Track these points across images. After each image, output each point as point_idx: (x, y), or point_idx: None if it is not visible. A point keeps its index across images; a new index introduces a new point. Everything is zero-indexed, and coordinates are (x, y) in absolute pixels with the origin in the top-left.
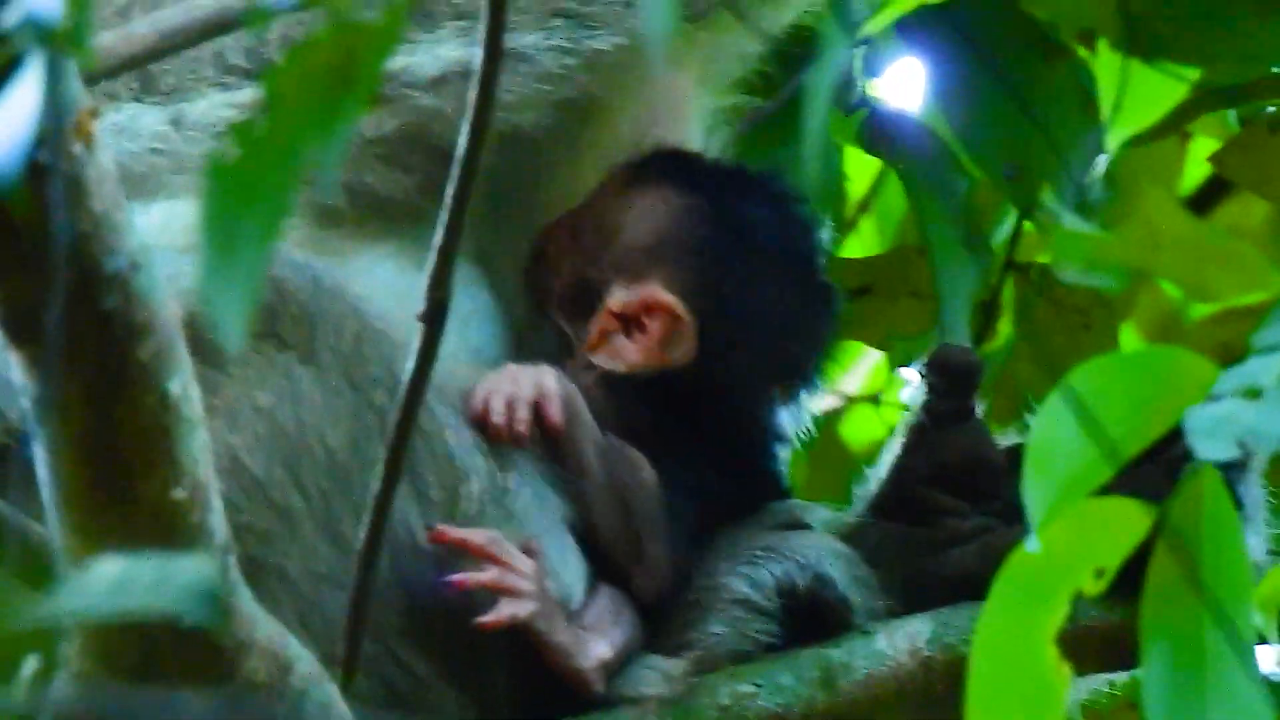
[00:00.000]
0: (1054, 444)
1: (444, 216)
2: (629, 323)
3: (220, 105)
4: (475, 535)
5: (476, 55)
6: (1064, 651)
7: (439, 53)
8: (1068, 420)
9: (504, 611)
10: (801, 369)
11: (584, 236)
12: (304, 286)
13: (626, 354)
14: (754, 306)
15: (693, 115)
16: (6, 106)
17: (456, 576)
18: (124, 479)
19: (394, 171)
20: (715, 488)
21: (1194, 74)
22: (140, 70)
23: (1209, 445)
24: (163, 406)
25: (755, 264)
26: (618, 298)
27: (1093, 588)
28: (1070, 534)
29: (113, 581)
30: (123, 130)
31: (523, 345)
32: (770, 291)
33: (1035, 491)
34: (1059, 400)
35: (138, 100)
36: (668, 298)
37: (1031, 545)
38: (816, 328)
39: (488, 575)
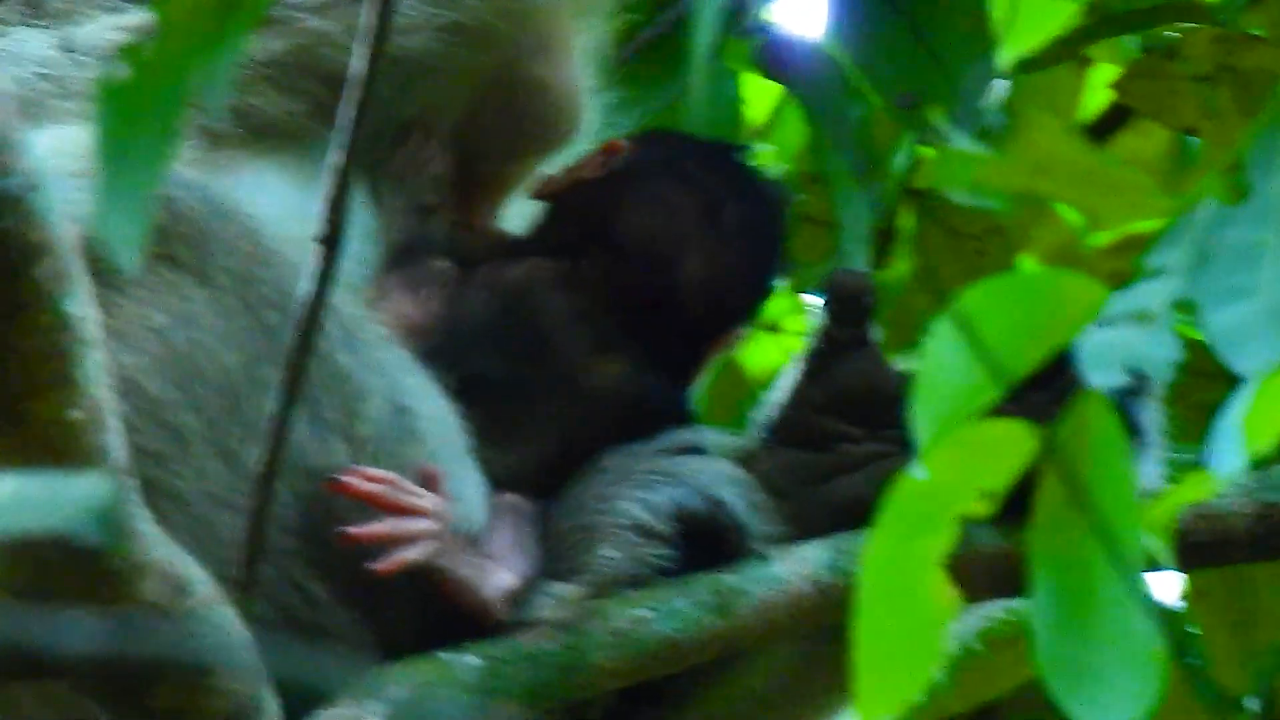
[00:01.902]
0: (942, 367)
1: (340, 139)
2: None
3: (108, 29)
4: (372, 483)
5: None
6: (958, 578)
7: None
8: (956, 343)
9: (395, 558)
10: (737, 314)
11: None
12: (197, 207)
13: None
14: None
15: (577, 41)
16: None
17: (351, 530)
18: (20, 400)
19: (282, 95)
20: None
21: None
22: None
23: (1098, 372)
24: (59, 327)
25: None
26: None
27: (981, 511)
28: (957, 458)
29: (6, 500)
30: (9, 55)
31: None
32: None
33: (922, 415)
34: (948, 323)
35: (25, 25)
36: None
37: (917, 470)
38: (760, 279)
39: (383, 527)
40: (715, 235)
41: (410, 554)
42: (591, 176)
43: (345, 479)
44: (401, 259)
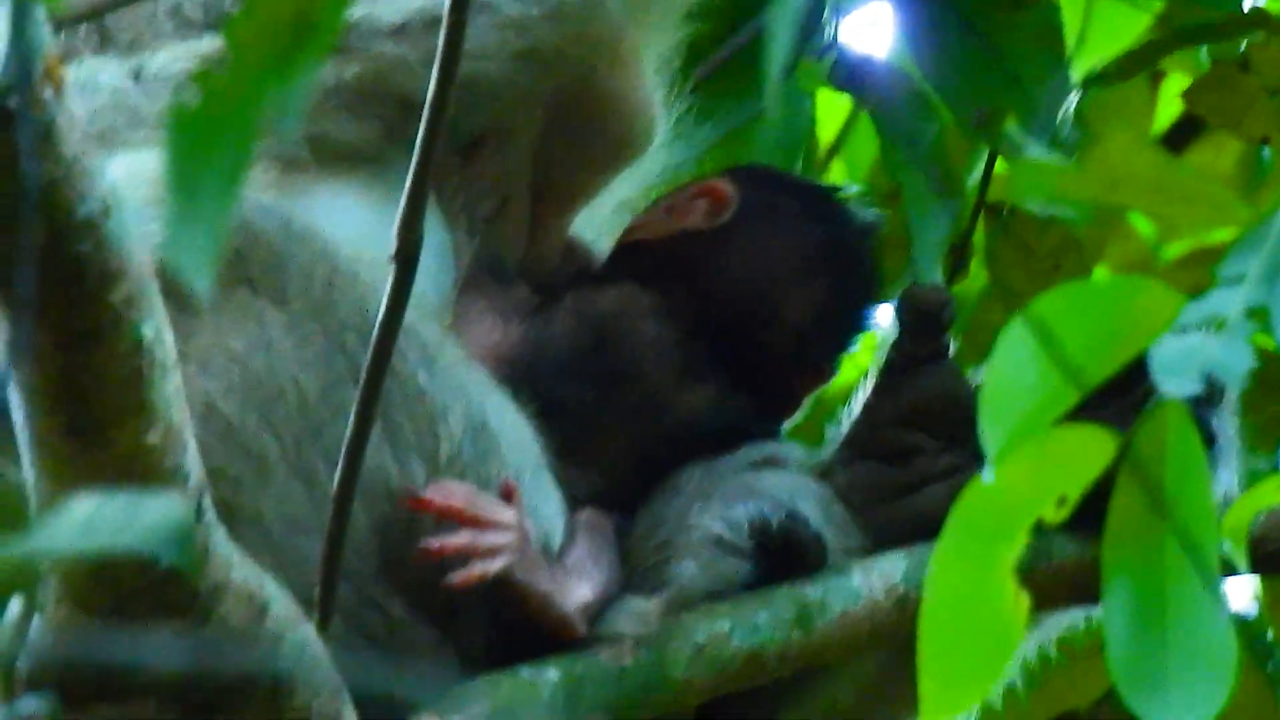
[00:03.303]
0: (1013, 374)
1: (413, 160)
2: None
3: (179, 57)
4: (450, 496)
5: (439, 3)
6: (1035, 587)
7: (400, 2)
8: (1028, 350)
9: (475, 570)
10: (832, 354)
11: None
12: (274, 230)
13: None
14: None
15: (649, 54)
16: None
17: (430, 542)
18: (98, 424)
19: (355, 120)
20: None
21: (1158, 5)
22: (99, 24)
23: (1173, 380)
24: (136, 351)
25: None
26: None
27: (1054, 517)
28: (1031, 465)
29: (84, 521)
30: (81, 85)
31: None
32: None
33: (993, 422)
34: (1020, 330)
35: (96, 54)
36: (720, 183)
37: (987, 476)
38: (857, 320)
39: (461, 540)
40: (818, 282)
41: (488, 567)
42: (696, 228)
43: (424, 494)
44: (480, 282)
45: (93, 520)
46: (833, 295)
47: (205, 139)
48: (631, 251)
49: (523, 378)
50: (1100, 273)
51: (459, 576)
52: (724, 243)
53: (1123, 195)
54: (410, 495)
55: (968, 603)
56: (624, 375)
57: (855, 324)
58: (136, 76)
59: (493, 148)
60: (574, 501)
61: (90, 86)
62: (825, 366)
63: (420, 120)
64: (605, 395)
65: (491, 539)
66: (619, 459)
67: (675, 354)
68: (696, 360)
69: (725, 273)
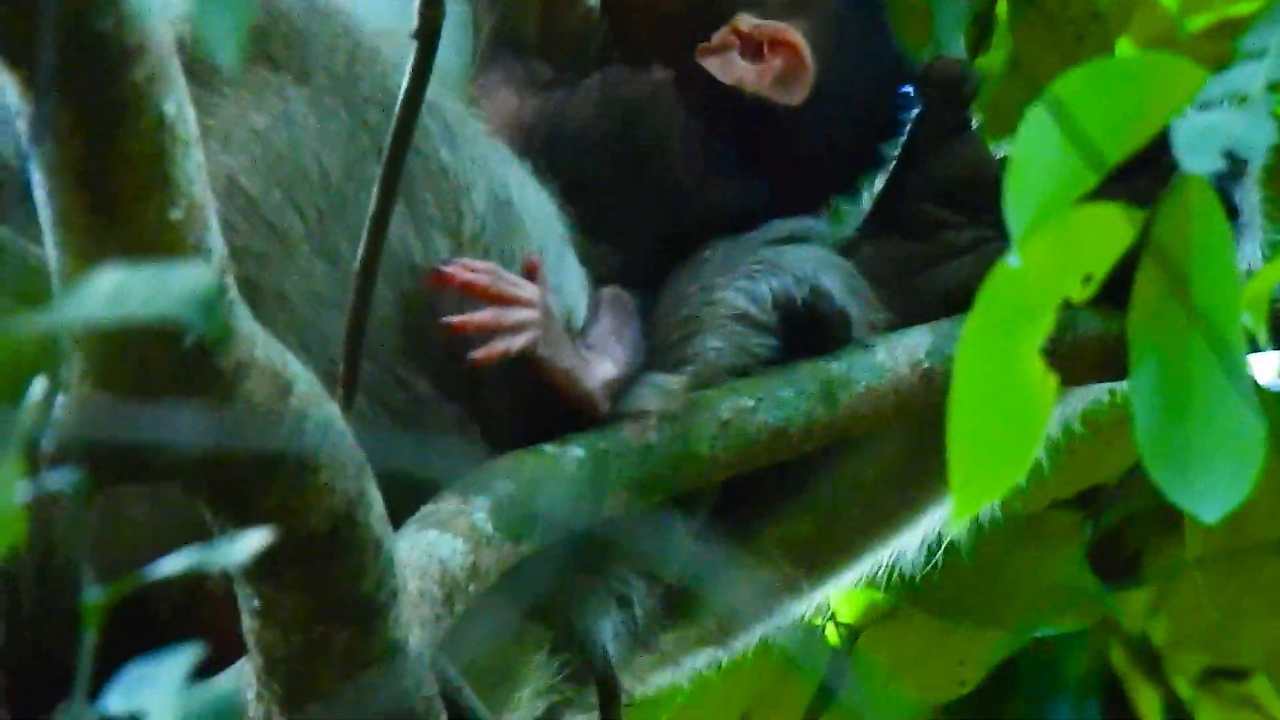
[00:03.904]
0: (1037, 152)
1: None
2: (748, 47)
3: None
4: (473, 274)
5: None
6: (1061, 363)
7: None
8: (1051, 131)
9: (497, 346)
10: (860, 170)
11: None
12: (295, 6)
13: (736, 69)
14: (860, 90)
15: None
16: None
17: (453, 319)
18: (121, 201)
19: None
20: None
21: None
22: None
23: (1195, 155)
24: (158, 128)
25: (872, 49)
26: (748, 20)
27: (1080, 295)
28: (1055, 243)
29: (110, 292)
30: None
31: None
32: (872, 81)
33: (1017, 203)
34: (1043, 108)
35: None
36: (800, 40)
37: (1012, 259)
38: (886, 136)
39: (484, 315)
40: (856, 89)
41: (511, 343)
42: (763, 96)
43: (447, 269)
44: (499, 57)
45: (118, 291)
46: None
47: None
48: (682, 58)
49: (541, 148)
50: (1123, 46)
51: (482, 352)
52: (788, 119)
53: None
54: (433, 271)
55: (996, 385)
56: (650, 158)
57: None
58: None
59: None
60: (598, 280)
61: None
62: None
63: None
64: (628, 175)
65: (514, 315)
66: (642, 238)
67: (705, 148)
68: (726, 157)
69: (784, 140)
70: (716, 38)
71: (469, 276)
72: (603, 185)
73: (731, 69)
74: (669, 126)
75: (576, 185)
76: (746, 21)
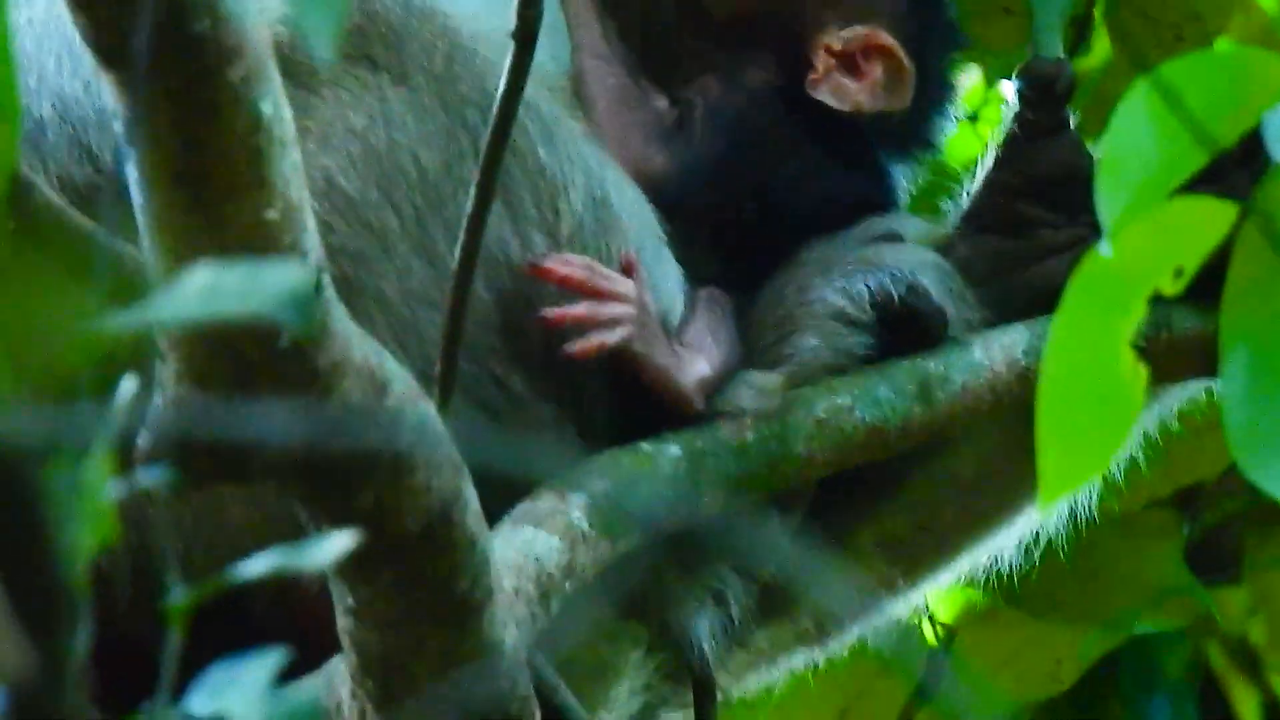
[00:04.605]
0: (1132, 142)
1: None
2: (844, 62)
3: None
4: (570, 266)
5: None
6: (1156, 360)
7: None
8: (1147, 118)
9: (593, 339)
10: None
11: None
12: (394, 7)
13: (851, 93)
14: (937, 67)
15: None
16: None
17: (550, 312)
18: (217, 201)
19: None
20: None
21: None
22: None
23: None
24: (254, 128)
25: (943, 25)
26: (838, 35)
27: (1172, 288)
28: (1148, 235)
29: (205, 289)
30: None
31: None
32: (945, 52)
33: (1110, 191)
34: (1139, 97)
35: None
36: (892, 42)
37: (1104, 247)
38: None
39: (581, 309)
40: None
41: (607, 338)
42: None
43: (545, 263)
44: (620, 93)
45: (213, 288)
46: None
47: None
48: (769, 64)
49: (673, 200)
50: (1222, 45)
51: (577, 346)
52: (880, 116)
53: None
54: (530, 264)
55: (1086, 375)
56: (750, 166)
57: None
58: None
59: None
60: (695, 280)
61: None
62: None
63: None
64: (729, 182)
65: (611, 310)
66: (740, 240)
67: (800, 151)
68: (820, 157)
69: (877, 136)
70: (818, 65)
71: (566, 270)
72: (716, 204)
73: (844, 94)
74: (767, 135)
75: (699, 215)
76: (835, 38)
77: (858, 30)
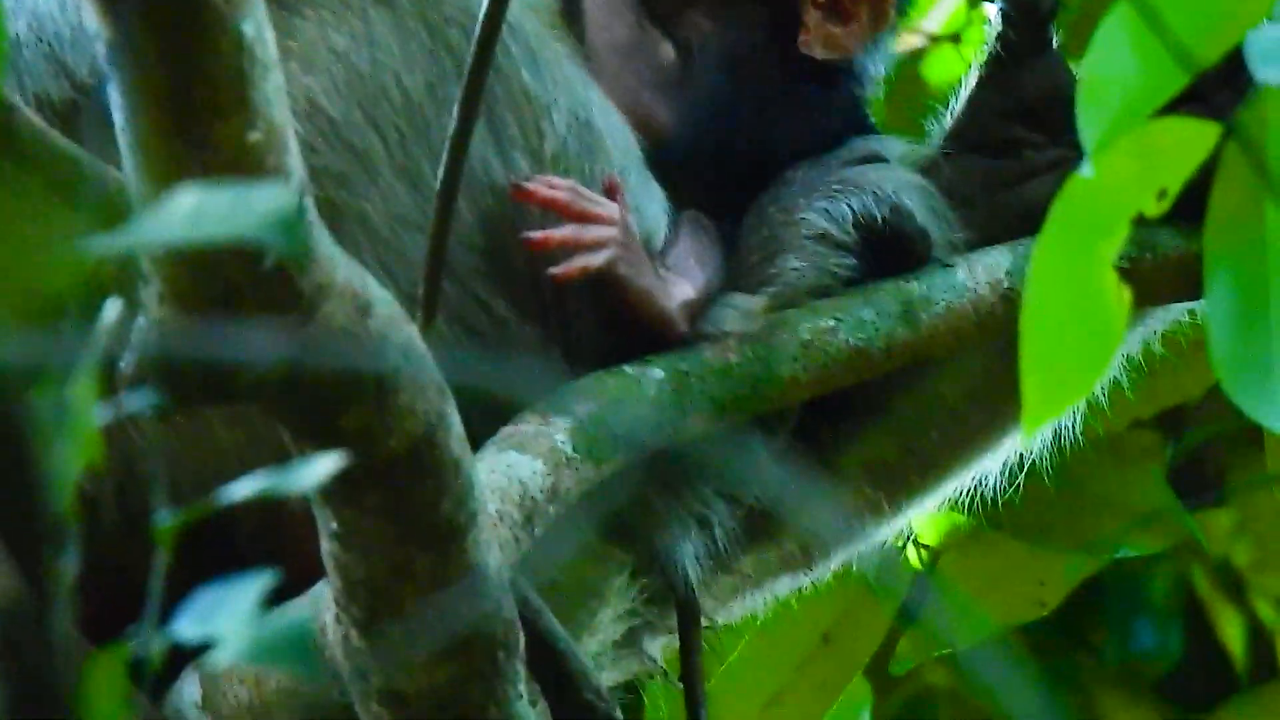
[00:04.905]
0: (1112, 64)
1: None
2: (831, 9)
3: None
4: (554, 189)
5: None
6: (1140, 282)
7: None
8: (1128, 37)
9: (577, 262)
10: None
11: None
12: None
13: (840, 40)
14: None
15: None
16: None
17: (534, 235)
18: (200, 122)
19: None
20: (800, 114)
21: None
22: None
23: (1270, 67)
24: (237, 49)
25: None
26: None
27: (1154, 210)
28: (1130, 155)
29: (190, 212)
30: None
31: None
32: None
33: (1092, 112)
34: (1120, 17)
35: None
36: None
37: (1085, 169)
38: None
39: (565, 231)
40: None
41: (591, 260)
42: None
43: (528, 184)
44: (621, 39)
45: (197, 211)
46: None
47: None
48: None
49: (674, 149)
50: None
51: (561, 269)
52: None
53: None
54: (514, 185)
55: (1069, 298)
56: (749, 113)
57: None
58: None
59: None
60: (678, 204)
61: None
62: None
63: None
64: (733, 133)
65: (595, 232)
66: (724, 165)
67: (787, 83)
68: (805, 86)
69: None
70: (808, 22)
71: (549, 193)
72: (704, 141)
73: (834, 43)
74: (760, 75)
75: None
76: None
77: None
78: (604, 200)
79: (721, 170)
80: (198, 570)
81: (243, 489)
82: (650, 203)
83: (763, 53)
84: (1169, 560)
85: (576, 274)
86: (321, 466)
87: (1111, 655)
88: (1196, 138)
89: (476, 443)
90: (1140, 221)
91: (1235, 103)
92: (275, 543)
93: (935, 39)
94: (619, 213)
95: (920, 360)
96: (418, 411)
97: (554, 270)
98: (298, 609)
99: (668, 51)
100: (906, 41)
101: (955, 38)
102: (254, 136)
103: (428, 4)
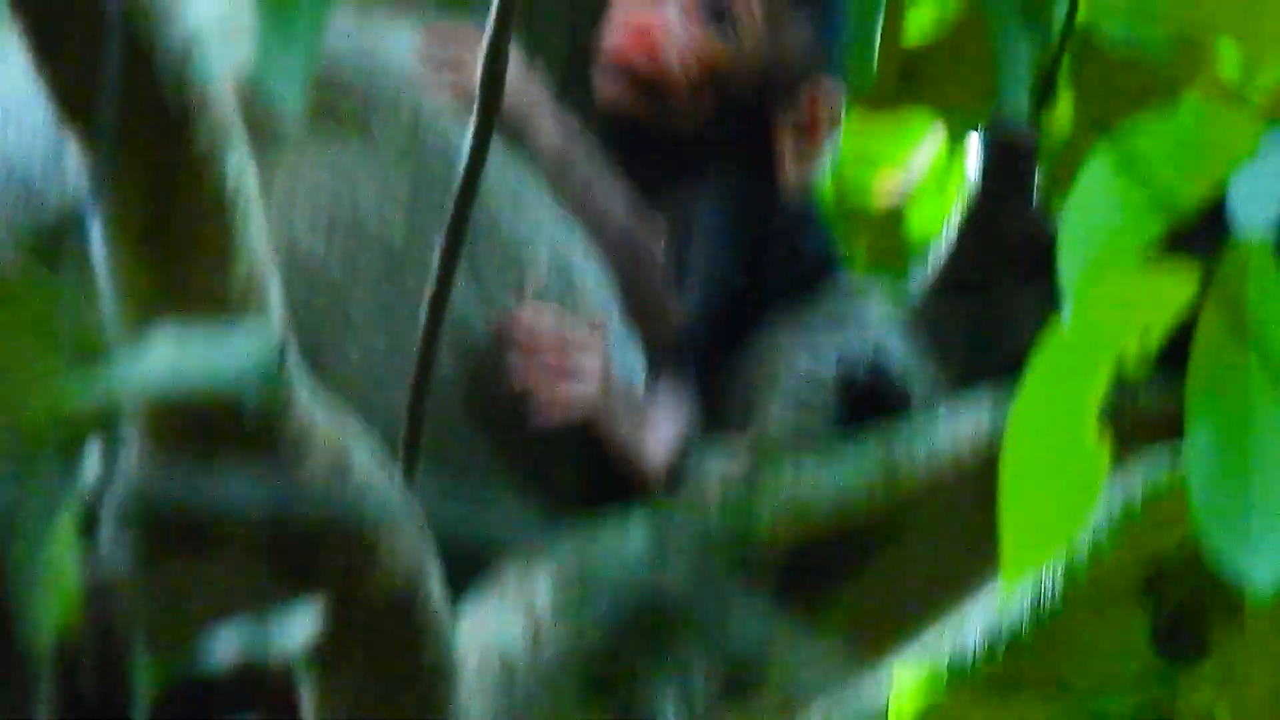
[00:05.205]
0: (1093, 207)
1: None
2: (800, 130)
3: None
4: (539, 324)
5: None
6: (1122, 431)
7: None
8: (1110, 180)
9: (558, 407)
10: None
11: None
12: (359, 65)
13: (813, 155)
14: None
15: None
16: None
17: (516, 375)
18: (180, 261)
19: None
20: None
21: None
22: None
23: (1249, 211)
24: (219, 187)
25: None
26: (792, 113)
27: (1136, 355)
28: (1111, 302)
29: (168, 354)
30: None
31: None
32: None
33: (1070, 256)
34: (1100, 162)
35: None
36: (832, 87)
37: (1065, 314)
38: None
39: (548, 374)
40: None
41: (573, 405)
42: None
43: (516, 314)
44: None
45: (176, 355)
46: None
47: None
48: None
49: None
50: (1186, 102)
51: (543, 411)
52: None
53: (1203, 14)
54: (501, 316)
55: (1049, 446)
56: (741, 273)
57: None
58: None
59: None
60: (658, 352)
61: None
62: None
63: None
64: (725, 295)
65: (577, 377)
66: (709, 309)
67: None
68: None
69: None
70: (785, 153)
71: (535, 322)
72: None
73: (809, 160)
74: (749, 232)
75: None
76: (790, 116)
77: (803, 96)
78: (587, 344)
79: (704, 322)
80: (177, 713)
81: (221, 646)
82: (630, 350)
83: (745, 205)
84: (1149, 716)
85: (559, 417)
86: (301, 623)
87: None
88: (1178, 284)
89: (457, 593)
90: (1121, 369)
91: (1218, 248)
92: (254, 691)
93: (917, 183)
94: (601, 359)
95: (901, 510)
96: (398, 561)
97: (535, 413)
98: None
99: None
100: (888, 184)
101: (937, 181)
102: (235, 275)
103: (409, 147)
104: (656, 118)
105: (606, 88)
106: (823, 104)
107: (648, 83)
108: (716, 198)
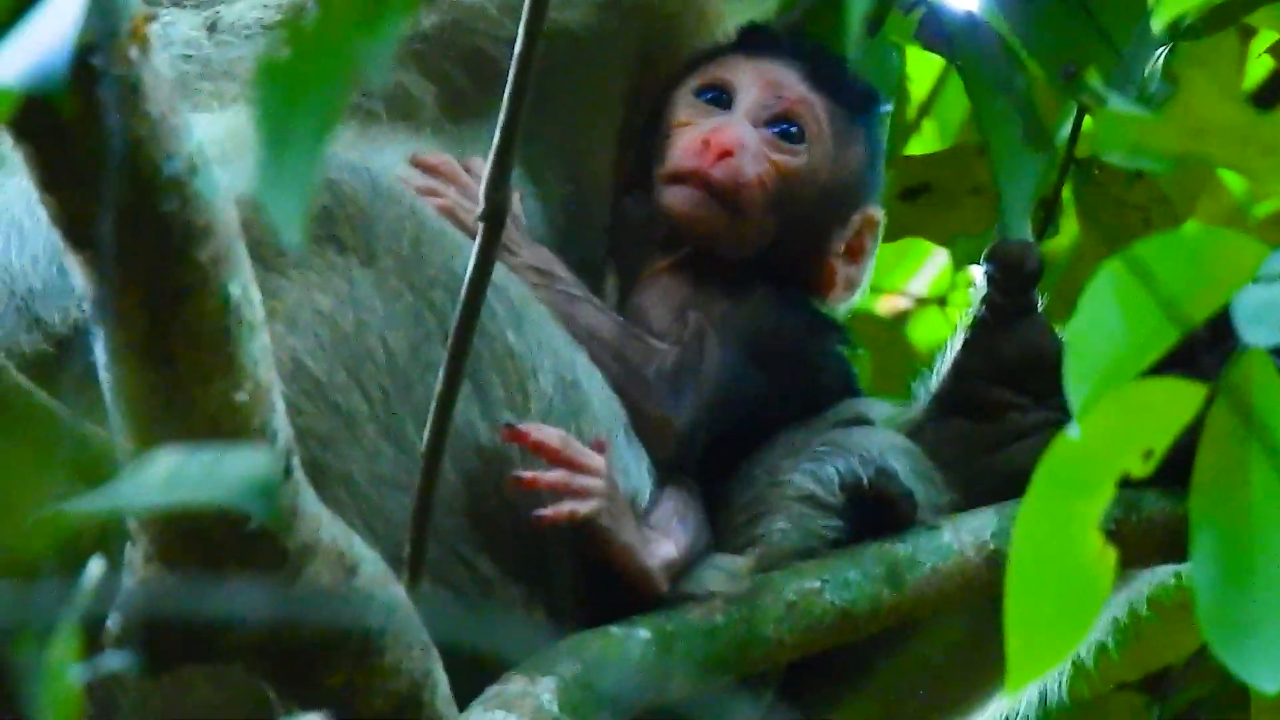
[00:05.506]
0: (1099, 324)
1: (501, 118)
2: (847, 254)
3: (255, 7)
4: (545, 433)
5: None
6: (1126, 544)
7: None
8: (1115, 299)
9: (565, 507)
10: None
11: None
12: (360, 188)
13: (857, 277)
14: None
15: (734, 11)
16: (55, 9)
17: (524, 474)
18: (185, 383)
19: (433, 72)
20: (782, 384)
21: None
22: None
23: (1255, 329)
24: (223, 310)
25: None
26: (841, 238)
27: (1141, 470)
28: (1116, 416)
29: (169, 475)
30: (158, 38)
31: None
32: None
33: (1078, 373)
34: (1107, 279)
35: (174, 6)
36: (878, 211)
37: (1072, 429)
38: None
39: (555, 475)
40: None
41: (578, 507)
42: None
43: (521, 426)
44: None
45: (178, 474)
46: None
47: (295, 90)
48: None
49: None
50: (1190, 226)
51: (549, 511)
52: None
53: (1207, 146)
54: (506, 426)
55: (1054, 559)
56: (751, 394)
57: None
58: (211, 28)
59: (577, 101)
60: (661, 466)
61: (166, 39)
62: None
63: (504, 75)
64: (734, 415)
65: (582, 480)
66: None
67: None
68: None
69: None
70: (835, 278)
71: (540, 436)
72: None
73: (854, 283)
74: (764, 355)
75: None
76: (839, 240)
77: (853, 221)
78: (591, 452)
79: (714, 437)
80: None
81: None
82: (635, 462)
83: (782, 321)
84: None
85: (563, 519)
86: None
87: None
88: (1183, 398)
89: (462, 702)
90: (1125, 483)
91: (1221, 364)
92: None
93: (920, 301)
94: (605, 467)
95: (905, 622)
96: (403, 671)
97: (540, 513)
98: None
99: (669, 354)
100: (892, 304)
101: (940, 300)
102: (240, 397)
103: (412, 265)
104: (727, 232)
105: (680, 201)
106: (872, 229)
107: (727, 199)
108: (756, 312)
